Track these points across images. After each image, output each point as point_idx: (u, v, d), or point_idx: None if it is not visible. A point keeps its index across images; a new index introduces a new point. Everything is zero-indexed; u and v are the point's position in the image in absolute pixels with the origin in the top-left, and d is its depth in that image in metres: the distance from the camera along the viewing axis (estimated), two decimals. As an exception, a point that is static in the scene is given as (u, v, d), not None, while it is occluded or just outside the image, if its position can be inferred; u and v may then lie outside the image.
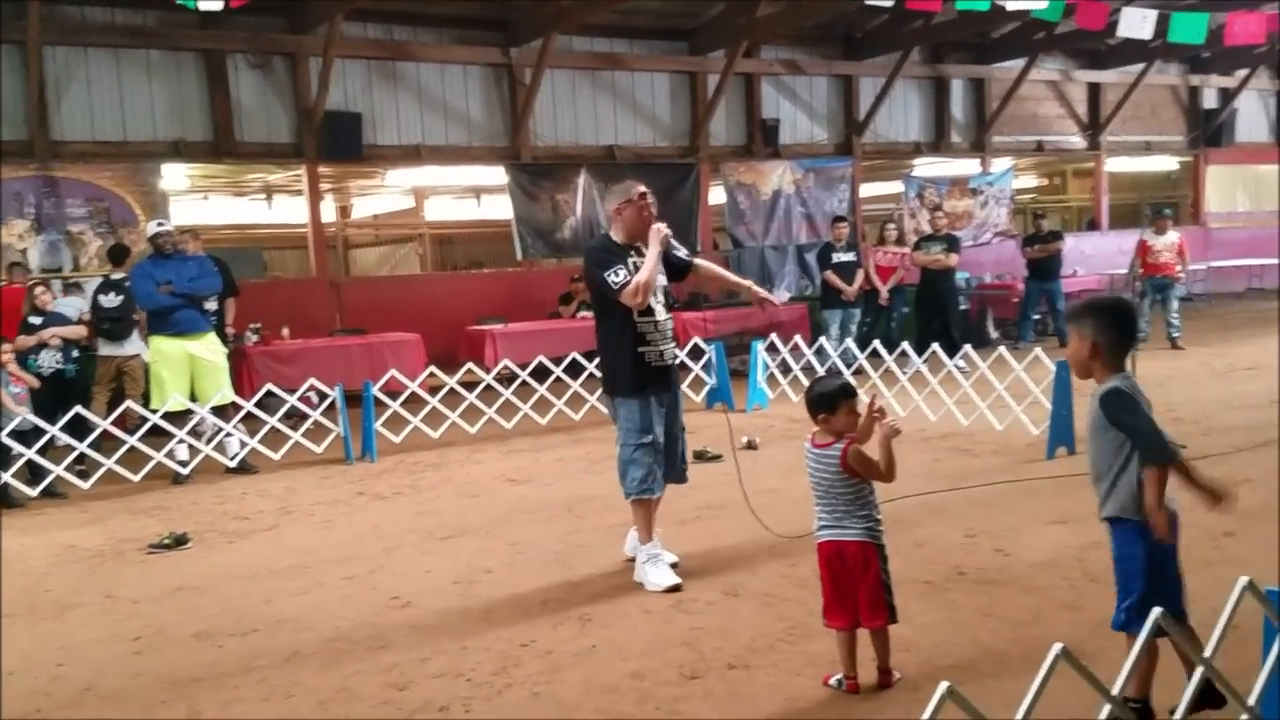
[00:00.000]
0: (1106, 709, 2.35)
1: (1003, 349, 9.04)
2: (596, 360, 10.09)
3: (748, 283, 5.54)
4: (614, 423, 5.14)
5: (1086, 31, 14.77)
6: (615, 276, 4.89)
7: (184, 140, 11.85)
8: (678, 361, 5.28)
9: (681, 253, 5.29)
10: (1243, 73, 19.62)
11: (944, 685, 2.05)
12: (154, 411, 8.14)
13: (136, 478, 7.90)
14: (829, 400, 3.71)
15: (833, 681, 3.68)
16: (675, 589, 4.81)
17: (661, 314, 5.02)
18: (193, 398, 8.19)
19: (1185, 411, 8.53)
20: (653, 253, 4.92)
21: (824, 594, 3.66)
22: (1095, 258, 17.90)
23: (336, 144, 12.48)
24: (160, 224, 8.42)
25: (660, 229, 4.97)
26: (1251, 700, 2.67)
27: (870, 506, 3.71)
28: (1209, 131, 19.96)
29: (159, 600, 5.20)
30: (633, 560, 5.10)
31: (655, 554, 4.97)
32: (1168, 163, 21.28)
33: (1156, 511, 3.17)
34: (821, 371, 10.00)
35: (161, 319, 8.06)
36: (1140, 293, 13.23)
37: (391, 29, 13.04)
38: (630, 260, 4.94)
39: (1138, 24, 9.92)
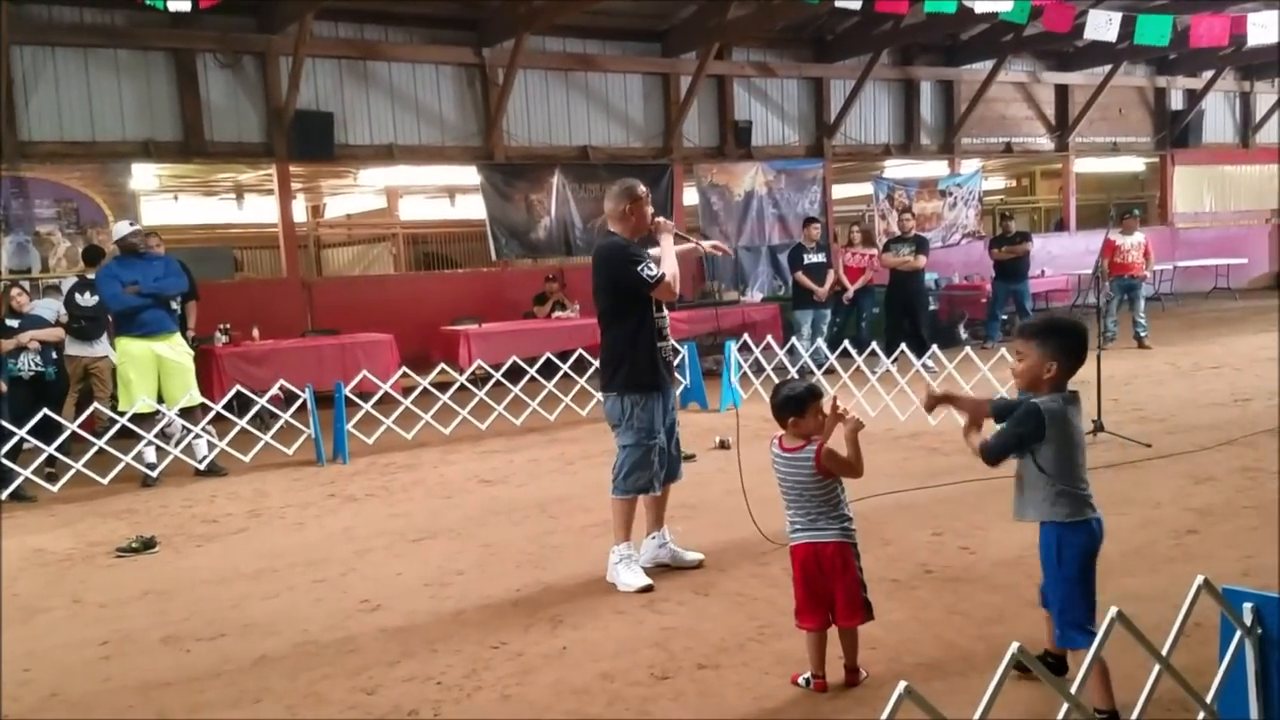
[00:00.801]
0: (1064, 708, 2.39)
1: (969, 349, 9.12)
2: (571, 360, 10.12)
3: (694, 242, 5.58)
4: (609, 422, 5.12)
5: (1054, 34, 14.97)
6: (649, 270, 4.93)
7: (153, 140, 11.75)
8: (675, 362, 5.33)
9: (689, 244, 5.33)
10: (1209, 74, 19.86)
11: (902, 685, 2.08)
12: (121, 414, 8.08)
13: (105, 480, 7.84)
14: (798, 403, 3.74)
15: (801, 680, 3.71)
16: (647, 589, 4.84)
17: (665, 311, 5.12)
18: (160, 399, 8.13)
19: (1151, 410, 8.65)
20: (668, 244, 5.04)
21: (797, 596, 3.68)
22: (1063, 258, 18.10)
23: (308, 143, 12.42)
24: (131, 224, 8.36)
25: (668, 223, 5.07)
26: (1209, 698, 2.72)
27: (843, 505, 3.75)
28: (1176, 132, 20.18)
29: (127, 604, 5.17)
30: (667, 566, 5.15)
31: (628, 554, 4.99)
32: (1135, 164, 21.52)
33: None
34: (794, 371, 10.08)
35: (128, 320, 8.00)
36: (1104, 291, 13.40)
37: (363, 28, 12.98)
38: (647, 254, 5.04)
39: (1104, 26, 10.03)
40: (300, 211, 17.31)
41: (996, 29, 16.25)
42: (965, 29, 16.35)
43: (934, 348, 9.42)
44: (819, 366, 10.12)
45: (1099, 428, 7.42)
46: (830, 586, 3.65)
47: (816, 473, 3.68)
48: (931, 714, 2.17)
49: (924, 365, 9.45)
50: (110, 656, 4.46)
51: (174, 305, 8.29)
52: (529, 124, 14.11)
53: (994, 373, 8.11)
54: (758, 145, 15.90)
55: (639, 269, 4.90)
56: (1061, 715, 2.41)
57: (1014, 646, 2.21)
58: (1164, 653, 2.63)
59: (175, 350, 8.23)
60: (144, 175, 12.65)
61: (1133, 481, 6.33)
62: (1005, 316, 14.45)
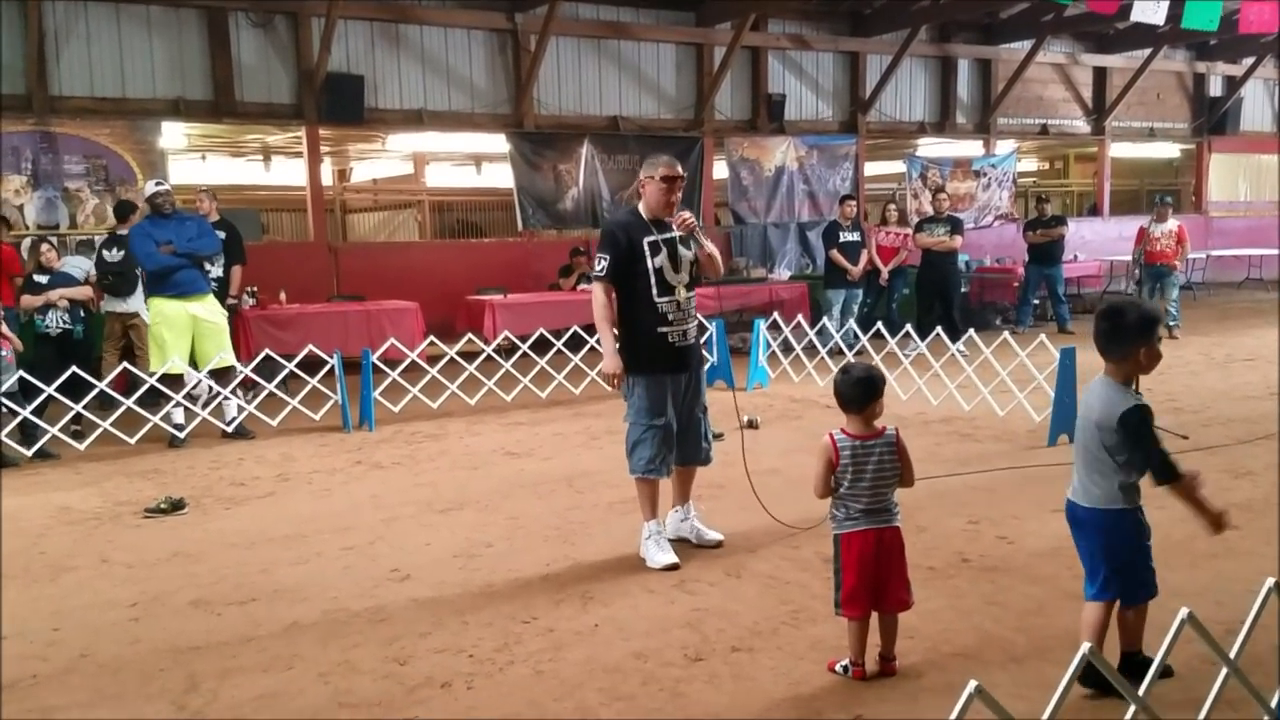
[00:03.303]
0: (1131, 710, 2.32)
1: (1006, 334, 8.99)
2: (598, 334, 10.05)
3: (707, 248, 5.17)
4: (624, 398, 5.07)
5: (1095, 15, 14.71)
6: (599, 264, 4.95)
7: (184, 99, 11.70)
8: (701, 340, 5.18)
9: (707, 247, 5.06)
10: (1249, 61, 19.51)
11: (972, 684, 2.01)
12: (151, 374, 8.07)
13: (133, 440, 7.84)
14: (874, 386, 3.67)
15: (838, 668, 3.65)
16: (673, 568, 4.79)
17: (683, 293, 4.96)
18: (193, 361, 8.11)
19: (1185, 401, 8.53)
20: (607, 340, 4.92)
21: (847, 584, 3.58)
22: (1095, 243, 17.89)
23: (338, 106, 12.35)
24: (159, 183, 8.30)
25: (687, 218, 4.92)
26: (1274, 702, 2.64)
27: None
28: (1214, 119, 19.87)
29: (155, 566, 5.16)
30: (689, 543, 5.11)
31: (657, 531, 4.94)
32: (1169, 149, 21.20)
33: (1213, 514, 3.48)
34: (824, 352, 9.98)
35: (162, 280, 7.94)
36: (1138, 280, 13.23)
37: (395, -9, 12.89)
38: (647, 238, 4.90)
39: (1151, 10, 9.82)
40: (326, 175, 17.26)
41: (1036, 9, 16.02)
42: (1006, 7, 16.09)
43: (970, 332, 9.27)
44: (849, 348, 10.01)
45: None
46: (884, 573, 3.58)
47: (897, 459, 3.61)
48: (1001, 714, 2.09)
49: (959, 350, 9.34)
50: (139, 618, 4.44)
51: (208, 266, 8.21)
52: (559, 92, 13.99)
53: (1031, 358, 7.98)
54: (790, 120, 15.73)
55: (597, 255, 4.97)
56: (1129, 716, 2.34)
57: (1085, 648, 2.13)
58: (1231, 655, 2.54)
59: (210, 311, 8.19)
60: (173, 134, 12.62)
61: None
62: (1037, 301, 14.30)
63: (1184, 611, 2.37)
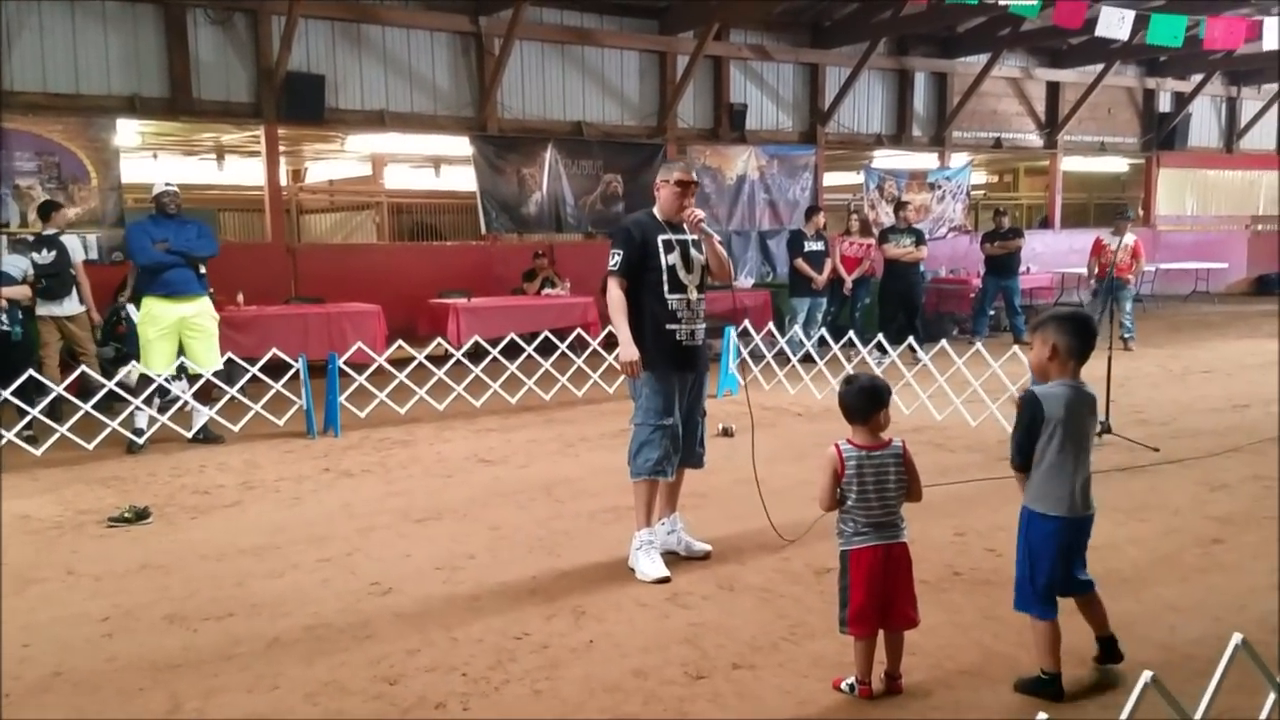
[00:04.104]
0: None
1: (979, 345, 9.04)
2: (570, 339, 9.95)
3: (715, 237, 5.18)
4: (633, 399, 5.00)
5: (1049, 29, 14.91)
6: (612, 260, 4.90)
7: (139, 96, 11.41)
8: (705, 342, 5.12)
9: (717, 247, 5.05)
10: (1198, 77, 19.94)
11: (1147, 674, 1.93)
12: (144, 375, 7.83)
13: (90, 446, 7.59)
14: (881, 395, 3.62)
15: (844, 685, 3.59)
16: (664, 580, 4.72)
17: (694, 293, 4.93)
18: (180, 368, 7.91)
19: (1151, 413, 8.64)
20: (623, 331, 4.86)
21: (855, 601, 3.52)
22: (1046, 255, 18.13)
23: (297, 106, 12.13)
24: (167, 184, 8.08)
25: (697, 215, 4.89)
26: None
27: None
28: (1163, 134, 20.26)
29: (124, 578, 4.97)
30: (677, 555, 5.04)
31: (649, 541, 4.87)
32: (1119, 164, 21.59)
33: None
34: (795, 360, 9.97)
35: (153, 278, 7.75)
36: (1094, 292, 13.41)
37: (358, -10, 12.70)
38: (661, 236, 4.89)
39: (1116, 24, 9.95)
40: (280, 175, 16.94)
41: (994, 22, 16.20)
42: (964, 21, 16.26)
43: (943, 342, 9.32)
44: (821, 358, 10.01)
45: (1106, 429, 7.37)
46: (892, 590, 3.53)
47: (905, 470, 3.57)
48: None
49: (919, 360, 9.38)
50: (113, 634, 4.27)
51: (203, 269, 8.03)
52: (524, 96, 13.87)
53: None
54: (751, 129, 15.75)
55: (611, 249, 4.94)
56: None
57: (1147, 675, 2.08)
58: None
59: (200, 313, 7.99)
60: (127, 131, 12.31)
61: (1147, 486, 6.28)
62: (993, 312, 14.45)
63: (1237, 637, 2.32)
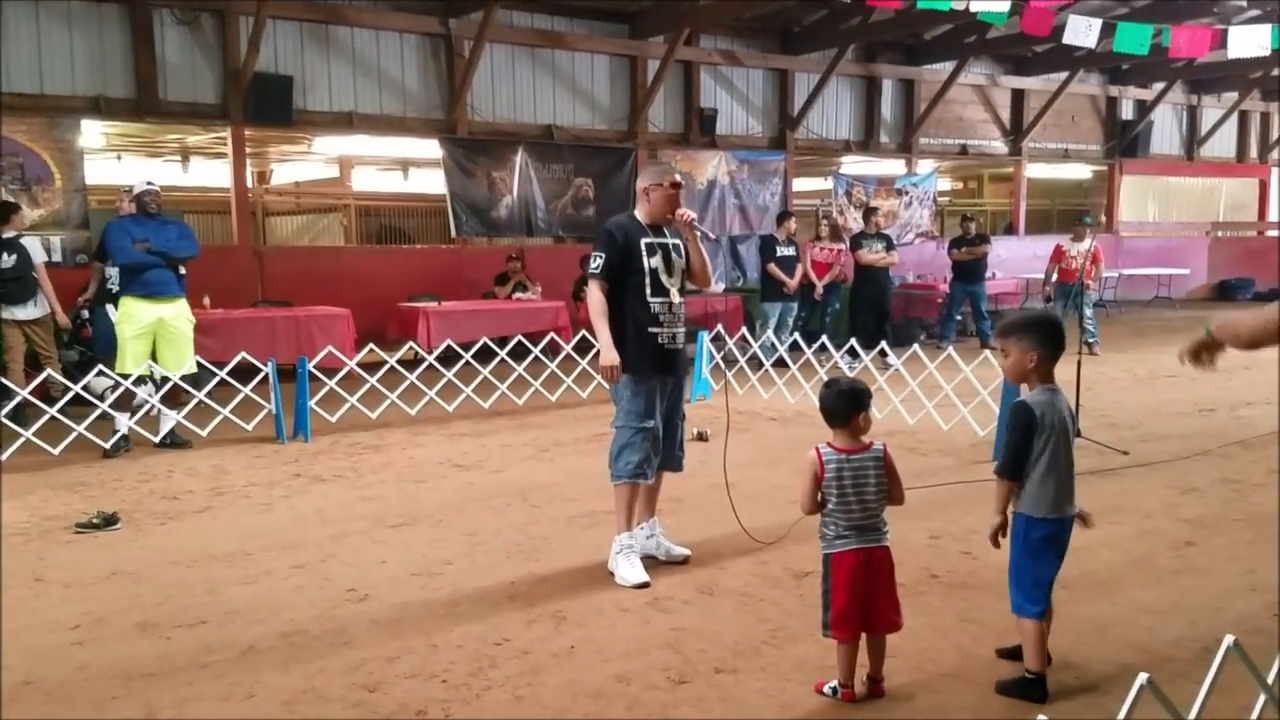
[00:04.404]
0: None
1: (950, 349, 9.11)
2: (542, 344, 9.90)
3: (712, 236, 5.38)
4: (614, 402, 5.00)
5: (1015, 37, 15.07)
6: (593, 263, 4.89)
7: (104, 96, 11.27)
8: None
9: (702, 249, 5.09)
10: (1160, 86, 20.23)
11: (1143, 676, 1.93)
12: (124, 376, 7.71)
13: (56, 451, 7.47)
14: (862, 397, 3.62)
15: (827, 689, 3.59)
16: (644, 585, 4.70)
17: (676, 297, 4.92)
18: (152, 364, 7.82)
19: (1119, 417, 8.73)
20: (604, 335, 4.85)
21: (837, 605, 3.52)
22: (1011, 261, 18.30)
23: (265, 107, 12.02)
24: (149, 183, 7.98)
25: (689, 215, 4.92)
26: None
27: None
28: (1125, 142, 20.55)
29: (94, 585, 4.88)
30: (656, 559, 5.02)
31: (629, 545, 4.85)
32: (1082, 171, 21.86)
33: (996, 516, 3.59)
34: (768, 365, 10.00)
35: (132, 278, 7.66)
36: (1048, 298, 13.56)
37: (326, -9, 12.61)
38: (645, 239, 4.88)
39: (1083, 32, 10.07)
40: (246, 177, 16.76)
41: (960, 29, 16.34)
42: (931, 28, 16.39)
43: (915, 347, 9.38)
44: (794, 361, 10.04)
45: (1077, 432, 7.42)
46: (874, 594, 3.54)
47: (885, 473, 3.57)
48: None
49: (890, 364, 9.43)
50: (84, 642, 4.19)
51: (183, 270, 7.94)
52: (494, 99, 13.83)
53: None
54: (722, 134, 15.80)
55: (591, 257, 4.92)
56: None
57: (1142, 678, 2.10)
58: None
59: (178, 316, 7.90)
60: (91, 132, 12.14)
61: (1119, 489, 6.34)
62: (960, 317, 14.56)
63: (1229, 639, 2.34)
